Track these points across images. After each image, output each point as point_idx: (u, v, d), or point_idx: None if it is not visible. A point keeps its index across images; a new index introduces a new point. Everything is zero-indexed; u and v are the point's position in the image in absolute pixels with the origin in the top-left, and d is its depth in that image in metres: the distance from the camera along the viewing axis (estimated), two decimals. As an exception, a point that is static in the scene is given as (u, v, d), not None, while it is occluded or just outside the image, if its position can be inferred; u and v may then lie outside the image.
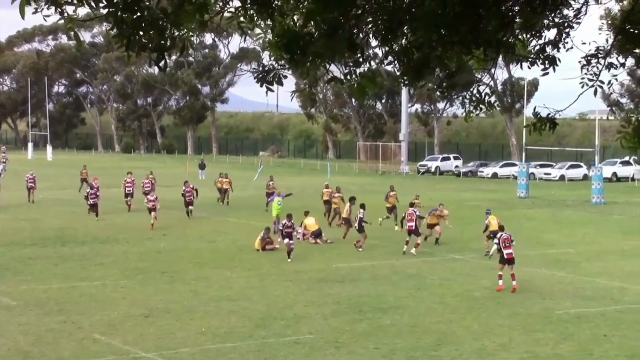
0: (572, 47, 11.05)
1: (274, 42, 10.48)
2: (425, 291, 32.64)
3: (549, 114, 11.67)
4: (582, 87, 11.25)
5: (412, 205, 43.45)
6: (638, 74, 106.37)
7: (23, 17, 8.51)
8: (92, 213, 53.02)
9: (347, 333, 26.58)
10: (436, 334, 26.47)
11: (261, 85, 11.00)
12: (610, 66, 11.32)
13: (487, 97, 11.98)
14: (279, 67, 10.87)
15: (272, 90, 10.82)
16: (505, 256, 32.31)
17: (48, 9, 8.70)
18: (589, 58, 11.22)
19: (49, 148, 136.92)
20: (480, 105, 11.97)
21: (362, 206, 43.02)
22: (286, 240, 38.72)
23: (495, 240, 33.00)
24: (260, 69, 11.14)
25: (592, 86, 11.22)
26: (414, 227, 40.95)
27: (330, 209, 53.59)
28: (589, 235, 50.37)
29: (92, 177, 64.32)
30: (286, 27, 10.46)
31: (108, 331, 26.66)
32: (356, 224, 42.73)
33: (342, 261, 39.36)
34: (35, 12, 8.69)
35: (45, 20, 9.37)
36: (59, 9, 8.74)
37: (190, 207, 54.06)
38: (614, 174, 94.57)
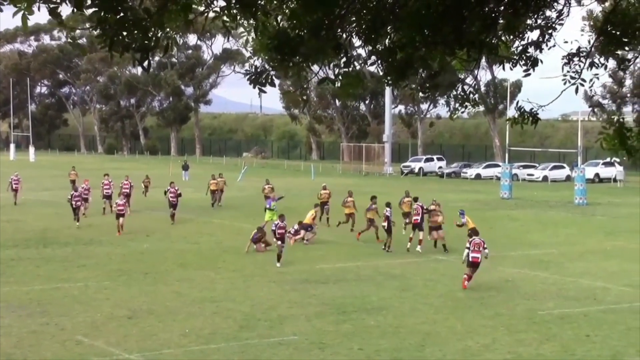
0: (554, 46, 11.09)
1: (265, 44, 10.50)
2: (409, 292, 32.67)
3: (532, 108, 11.70)
4: (565, 84, 11.29)
5: (428, 211, 43.23)
6: (619, 75, 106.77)
7: (26, 29, 8.52)
8: (76, 217, 52.01)
9: (331, 334, 26.60)
10: (420, 334, 26.51)
11: (254, 87, 11.01)
12: (592, 65, 11.36)
13: (472, 95, 12.03)
14: (270, 68, 10.89)
15: (264, 92, 10.82)
16: (471, 259, 32.63)
17: (39, 10, 8.69)
18: (570, 57, 11.26)
19: (32, 149, 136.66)
20: (466, 103, 12.02)
21: (388, 205, 42.63)
22: (279, 242, 38.16)
23: (467, 245, 33.04)
24: (253, 70, 11.15)
25: (574, 84, 11.26)
26: (419, 221, 41.08)
27: (325, 210, 53.33)
28: (571, 236, 50.51)
29: (83, 178, 64.11)
30: (276, 29, 10.47)
31: (91, 332, 26.62)
32: (384, 224, 42.15)
33: (326, 262, 39.36)
34: (23, 14, 8.66)
35: (25, 22, 9.29)
36: (53, 12, 8.72)
37: (173, 211, 52.36)
38: (597, 175, 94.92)
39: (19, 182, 64.82)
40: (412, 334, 26.62)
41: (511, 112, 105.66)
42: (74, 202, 51.81)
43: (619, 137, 11.50)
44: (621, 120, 11.95)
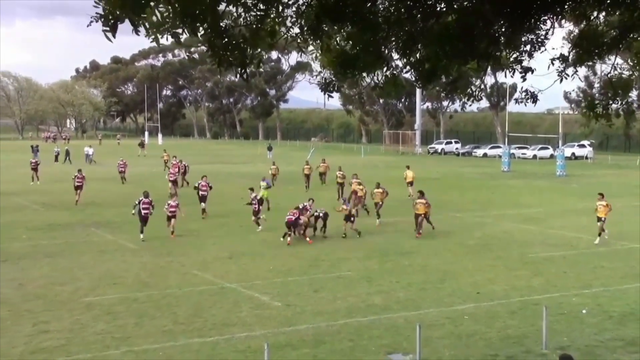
0: (545, 50, 10.99)
1: (331, 60, 10.54)
2: (433, 240, 32.57)
3: (533, 91, 11.67)
4: (557, 75, 11.18)
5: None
6: (590, 79, 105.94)
7: (158, 45, 8.64)
8: (172, 187, 48.45)
9: (376, 271, 26.66)
10: (441, 271, 26.47)
11: (324, 93, 11.20)
12: (567, 66, 11.23)
13: (478, 93, 12.08)
14: (335, 79, 11.02)
15: (332, 97, 10.98)
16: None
17: (165, 37, 8.81)
18: (554, 60, 11.15)
19: (160, 135, 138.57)
20: (472, 99, 12.11)
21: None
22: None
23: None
24: (323, 81, 11.30)
25: (560, 77, 11.14)
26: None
27: (322, 180, 54.30)
28: (554, 199, 50.04)
29: (177, 158, 60.28)
30: (337, 48, 10.50)
31: (203, 268, 26.94)
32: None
33: (372, 218, 39.25)
34: (155, 39, 8.77)
35: (157, 43, 9.39)
36: (175, 37, 8.82)
37: (203, 205, 40.02)
38: (573, 154, 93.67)
39: (125, 165, 60.16)
40: (435, 271, 26.58)
41: (510, 107, 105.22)
42: (170, 177, 50.15)
43: (590, 107, 11.65)
44: (591, 97, 12.21)
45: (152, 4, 8.38)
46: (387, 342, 18.19)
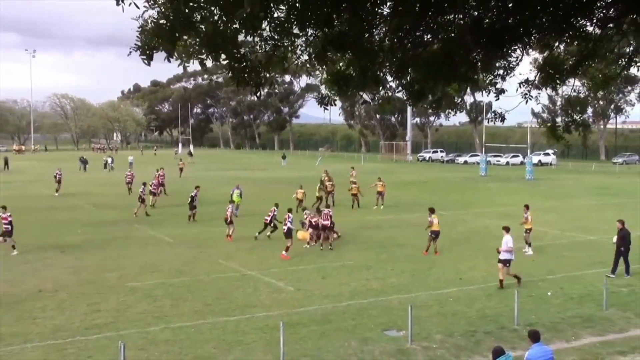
0: (514, 75, 10.95)
1: (329, 80, 10.53)
2: (422, 234, 32.43)
3: (501, 112, 11.68)
4: (521, 97, 11.15)
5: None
6: (553, 98, 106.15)
7: (185, 69, 8.72)
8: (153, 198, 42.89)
9: (374, 260, 26.60)
10: (429, 261, 26.41)
11: (320, 106, 11.19)
12: (536, 88, 11.19)
13: (459, 105, 12.16)
14: (332, 95, 11.01)
15: (327, 109, 10.99)
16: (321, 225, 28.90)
17: (192, 63, 8.89)
18: (522, 83, 11.13)
19: (191, 146, 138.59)
20: (455, 110, 12.18)
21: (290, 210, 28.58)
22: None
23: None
24: (320, 96, 11.33)
25: (526, 98, 11.11)
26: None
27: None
28: (524, 199, 49.58)
29: (163, 170, 52.44)
30: (335, 70, 10.49)
31: (227, 257, 26.92)
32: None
33: (371, 215, 39.29)
34: (183, 65, 8.85)
35: (185, 69, 9.53)
36: (202, 64, 8.89)
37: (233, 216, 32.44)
38: (539, 161, 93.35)
39: (163, 176, 50.86)
40: (424, 260, 26.51)
41: (486, 122, 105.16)
42: (152, 189, 42.94)
43: (551, 130, 11.65)
44: (550, 122, 12.22)
45: (182, 36, 8.47)
46: (384, 321, 18.14)
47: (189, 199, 36.90)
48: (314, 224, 29.37)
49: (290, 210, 27.94)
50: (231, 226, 31.12)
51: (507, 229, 22.43)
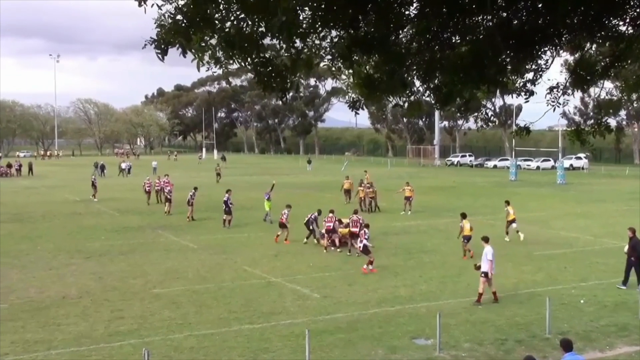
0: (542, 81, 10.84)
1: (358, 83, 10.50)
2: (450, 240, 32.23)
3: (526, 124, 11.56)
4: (547, 105, 11.03)
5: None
6: (585, 100, 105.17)
7: (199, 70, 8.68)
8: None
9: (401, 266, 26.50)
10: (458, 267, 26.23)
11: (352, 110, 11.17)
12: (564, 92, 11.07)
13: (491, 117, 12.04)
14: (362, 99, 10.99)
15: (358, 114, 10.98)
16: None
17: (215, 66, 8.85)
18: (551, 89, 11.00)
19: (215, 151, 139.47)
20: (489, 123, 12.06)
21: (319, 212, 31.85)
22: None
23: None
24: (352, 100, 11.29)
25: (553, 106, 11.00)
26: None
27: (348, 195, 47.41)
28: (554, 204, 49.42)
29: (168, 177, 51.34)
30: (363, 74, 10.46)
31: (252, 264, 26.96)
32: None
33: (398, 221, 39.17)
34: (208, 69, 8.83)
35: (213, 73, 9.51)
36: (223, 67, 8.86)
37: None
38: (571, 165, 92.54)
39: (169, 183, 48.39)
40: (453, 267, 26.37)
41: (514, 126, 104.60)
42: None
43: (576, 134, 11.49)
44: (580, 125, 12.13)
45: (198, 32, 8.41)
46: (412, 329, 18.04)
47: (223, 205, 37.54)
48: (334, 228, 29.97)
49: (367, 226, 26.64)
50: (285, 230, 31.83)
51: (486, 240, 21.64)
